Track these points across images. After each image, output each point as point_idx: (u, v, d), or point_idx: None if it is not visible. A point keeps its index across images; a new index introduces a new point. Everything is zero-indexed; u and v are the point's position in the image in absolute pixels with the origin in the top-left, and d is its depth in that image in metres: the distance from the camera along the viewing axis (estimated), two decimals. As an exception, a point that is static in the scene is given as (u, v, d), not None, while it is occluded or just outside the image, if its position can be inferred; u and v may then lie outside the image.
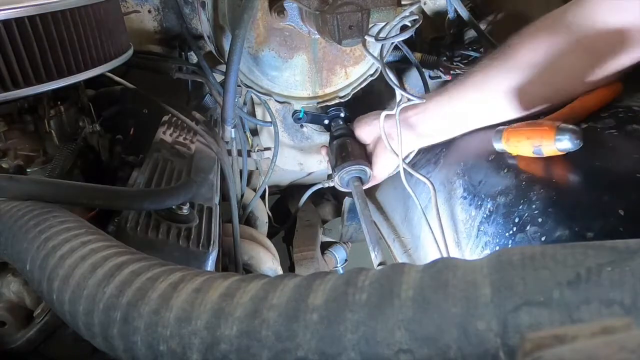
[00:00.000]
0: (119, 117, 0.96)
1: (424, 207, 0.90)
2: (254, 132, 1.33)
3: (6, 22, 0.59)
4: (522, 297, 0.31)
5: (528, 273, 0.32)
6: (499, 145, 0.77)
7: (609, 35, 0.69)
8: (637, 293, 0.30)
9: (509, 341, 0.31)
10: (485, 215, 0.75)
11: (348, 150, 1.01)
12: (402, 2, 0.89)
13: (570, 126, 0.68)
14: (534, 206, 0.68)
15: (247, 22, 0.84)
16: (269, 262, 1.11)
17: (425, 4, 1.22)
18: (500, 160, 0.79)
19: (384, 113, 0.92)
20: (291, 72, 1.04)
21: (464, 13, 1.10)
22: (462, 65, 1.16)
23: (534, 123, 0.74)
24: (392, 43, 1.03)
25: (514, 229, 0.69)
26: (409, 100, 0.88)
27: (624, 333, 0.21)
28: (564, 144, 0.68)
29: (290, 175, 1.47)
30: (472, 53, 1.16)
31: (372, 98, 1.25)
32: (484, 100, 0.83)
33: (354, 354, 0.34)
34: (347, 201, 1.39)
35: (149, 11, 1.16)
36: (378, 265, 0.85)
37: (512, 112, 0.81)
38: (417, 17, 0.88)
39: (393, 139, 0.91)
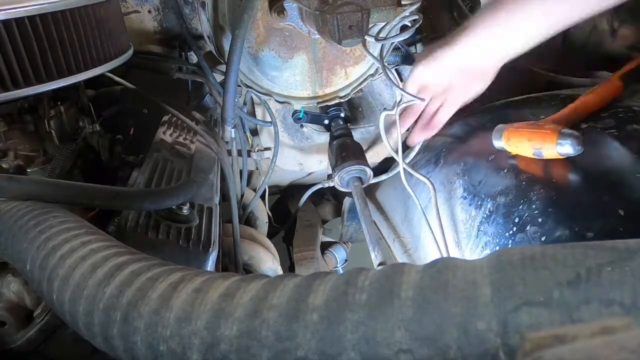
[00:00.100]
0: (119, 117, 0.96)
1: (424, 207, 0.90)
2: (254, 132, 1.33)
3: (6, 22, 0.59)
4: (522, 297, 0.31)
5: (528, 273, 0.32)
6: (498, 144, 0.77)
7: None
8: (637, 293, 0.30)
9: (509, 341, 0.31)
10: (485, 215, 0.75)
11: (348, 150, 1.01)
12: (402, 2, 0.89)
13: (573, 131, 0.68)
14: (534, 206, 0.68)
15: (247, 22, 0.84)
16: (269, 262, 1.11)
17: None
18: (500, 160, 0.79)
19: (384, 113, 0.92)
20: (291, 72, 1.04)
21: (464, 13, 1.10)
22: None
23: (536, 124, 0.74)
24: (392, 43, 1.03)
25: (514, 229, 0.69)
26: (409, 100, 0.88)
27: (624, 333, 0.21)
28: (566, 148, 0.68)
29: (290, 175, 1.47)
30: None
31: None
32: None
33: (354, 354, 0.34)
34: (347, 201, 1.39)
35: (149, 11, 1.16)
36: (378, 265, 0.85)
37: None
38: (417, 17, 0.88)
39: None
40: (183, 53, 1.18)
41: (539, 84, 1.24)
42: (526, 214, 0.68)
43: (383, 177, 1.11)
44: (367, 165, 0.99)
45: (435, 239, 0.84)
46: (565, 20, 0.75)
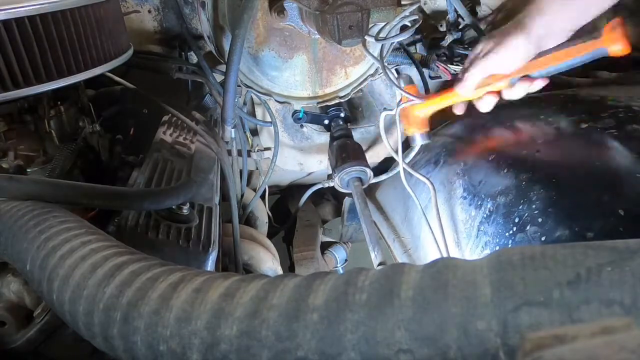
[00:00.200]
0: (119, 117, 0.96)
1: (424, 207, 0.90)
2: (254, 132, 1.33)
3: (6, 22, 0.59)
4: (522, 297, 0.31)
5: (528, 273, 0.32)
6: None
7: None
8: (637, 293, 0.30)
9: (509, 341, 0.31)
10: (485, 215, 0.75)
11: (348, 150, 1.01)
12: (402, 2, 0.89)
13: None
14: (534, 206, 0.68)
15: (247, 22, 0.84)
16: (269, 262, 1.11)
17: (425, 4, 1.22)
18: (500, 160, 0.79)
19: (384, 113, 0.92)
20: (291, 72, 1.04)
21: (464, 13, 1.10)
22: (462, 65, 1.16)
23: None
24: (392, 43, 1.03)
25: (514, 229, 0.69)
26: (408, 100, 0.88)
27: (624, 333, 0.21)
28: None
29: (290, 175, 1.47)
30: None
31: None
32: None
33: (354, 354, 0.34)
34: (347, 201, 1.39)
35: (149, 11, 1.16)
36: (378, 265, 0.85)
37: None
38: (417, 17, 0.88)
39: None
40: (183, 53, 1.18)
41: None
42: (526, 214, 0.68)
43: (383, 177, 1.11)
44: (367, 165, 0.99)
45: (435, 239, 0.84)
46: None
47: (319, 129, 1.28)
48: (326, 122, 1.17)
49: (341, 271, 1.44)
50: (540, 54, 0.78)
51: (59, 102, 0.78)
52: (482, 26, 1.17)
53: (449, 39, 1.18)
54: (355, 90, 1.10)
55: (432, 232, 0.85)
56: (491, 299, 0.32)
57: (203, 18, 1.00)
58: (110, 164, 0.86)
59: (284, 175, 1.44)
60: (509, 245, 0.69)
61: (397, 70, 1.25)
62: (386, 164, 1.30)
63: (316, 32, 0.90)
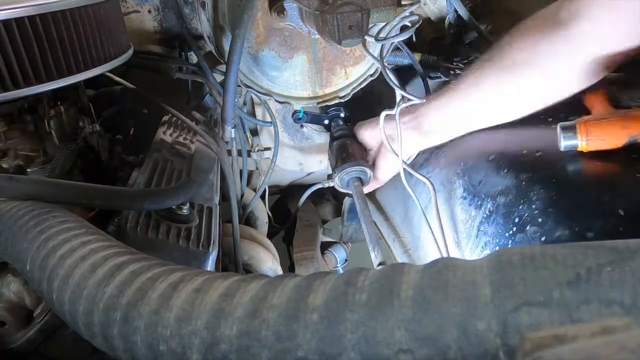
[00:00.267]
0: (119, 117, 0.96)
1: (424, 207, 0.90)
2: (254, 132, 1.33)
3: (6, 22, 0.59)
4: (522, 297, 0.31)
5: (528, 273, 0.32)
6: (570, 142, 0.71)
7: (603, 33, 0.69)
8: (637, 293, 0.30)
9: (509, 341, 0.31)
10: (485, 215, 0.75)
11: (348, 151, 1.01)
12: (402, 2, 0.89)
13: None
14: (534, 206, 0.68)
15: (247, 22, 0.84)
16: (269, 262, 1.11)
17: (425, 4, 1.22)
18: (500, 160, 0.79)
19: (384, 113, 0.92)
20: (291, 72, 1.04)
21: (464, 13, 1.10)
22: (462, 66, 1.16)
23: (623, 112, 0.71)
24: (392, 43, 1.03)
25: (514, 229, 0.69)
26: (408, 100, 0.88)
27: (624, 333, 0.21)
28: None
29: (290, 175, 1.47)
30: (472, 53, 1.16)
31: (372, 98, 1.25)
32: (483, 100, 0.82)
33: (354, 354, 0.34)
34: (347, 201, 1.39)
35: (149, 11, 1.16)
36: (378, 265, 0.85)
37: (514, 112, 0.81)
38: (417, 17, 0.88)
39: (394, 140, 0.91)
40: (183, 53, 1.18)
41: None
42: (526, 214, 0.68)
43: (383, 177, 1.11)
44: (367, 166, 0.99)
45: (435, 239, 0.84)
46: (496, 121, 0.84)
47: (319, 129, 1.28)
48: (326, 122, 1.17)
49: (341, 271, 1.44)
50: None
51: (59, 102, 0.78)
52: (482, 26, 1.17)
53: (448, 38, 1.18)
54: (355, 90, 1.10)
55: (432, 232, 0.85)
56: (491, 299, 0.32)
57: (203, 18, 1.00)
58: (110, 164, 0.86)
59: (284, 175, 1.44)
60: (509, 245, 0.69)
61: (397, 70, 1.25)
62: (386, 164, 1.30)
63: (316, 32, 0.90)
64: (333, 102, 1.11)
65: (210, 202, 0.77)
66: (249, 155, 1.29)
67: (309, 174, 1.45)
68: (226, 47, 0.97)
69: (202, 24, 1.03)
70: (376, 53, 0.93)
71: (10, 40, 0.60)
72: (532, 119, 0.81)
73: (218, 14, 0.95)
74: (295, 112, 1.15)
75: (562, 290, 0.31)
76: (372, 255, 0.87)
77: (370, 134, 1.01)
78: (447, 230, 0.83)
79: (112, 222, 0.70)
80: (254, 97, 1.23)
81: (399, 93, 0.90)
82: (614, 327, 0.21)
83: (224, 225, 0.96)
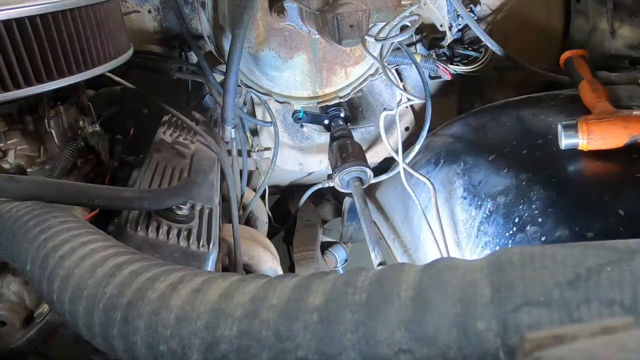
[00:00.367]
0: (119, 117, 0.96)
1: (424, 207, 0.90)
2: (254, 132, 1.33)
3: (6, 22, 0.59)
4: (522, 297, 0.31)
5: (528, 273, 0.32)
6: (571, 141, 0.71)
7: None
8: (637, 293, 0.30)
9: (509, 341, 0.31)
10: (485, 215, 0.75)
11: (348, 150, 1.01)
12: (402, 2, 0.89)
13: None
14: (534, 206, 0.68)
15: (247, 22, 0.84)
16: (269, 262, 1.11)
17: (425, 4, 1.22)
18: (500, 160, 0.79)
19: (384, 113, 0.92)
20: (291, 72, 1.04)
21: (464, 13, 1.10)
22: (462, 66, 1.16)
23: (624, 112, 0.71)
24: (392, 43, 1.03)
25: (514, 229, 0.69)
26: (408, 100, 0.88)
27: (624, 333, 0.21)
28: None
29: (290, 175, 1.47)
30: (471, 53, 1.16)
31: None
32: None
33: (354, 354, 0.34)
34: (347, 201, 1.39)
35: (149, 11, 1.16)
36: (378, 265, 0.85)
37: None
38: (417, 17, 0.89)
39: None
40: (183, 53, 1.18)
41: (539, 84, 1.24)
42: (526, 214, 0.68)
43: (383, 177, 1.11)
44: (367, 165, 0.99)
45: (435, 239, 0.84)
46: None
47: (319, 129, 1.28)
48: (326, 122, 1.17)
49: (341, 271, 1.43)
50: None
51: (59, 102, 0.78)
52: (482, 26, 1.17)
53: (449, 38, 1.18)
54: (355, 90, 1.10)
55: (432, 232, 0.86)
56: (491, 299, 0.32)
57: (203, 18, 1.00)
58: (110, 164, 0.86)
59: (284, 175, 1.44)
60: (509, 245, 0.69)
61: (397, 70, 1.25)
62: (386, 164, 1.30)
63: (316, 32, 0.90)
64: (333, 102, 1.11)
65: (210, 202, 0.77)
66: (249, 155, 1.29)
67: (309, 174, 1.45)
68: (226, 47, 0.97)
69: (202, 24, 1.03)
70: (376, 53, 0.93)
71: (10, 40, 0.60)
72: (532, 119, 0.81)
73: (218, 14, 0.96)
74: (295, 112, 1.15)
75: (562, 290, 0.31)
76: (372, 255, 0.87)
77: None
78: (447, 230, 0.83)
79: (112, 222, 0.70)
80: (254, 97, 1.23)
81: (399, 93, 0.90)
82: (614, 327, 0.21)
83: (224, 225, 0.96)
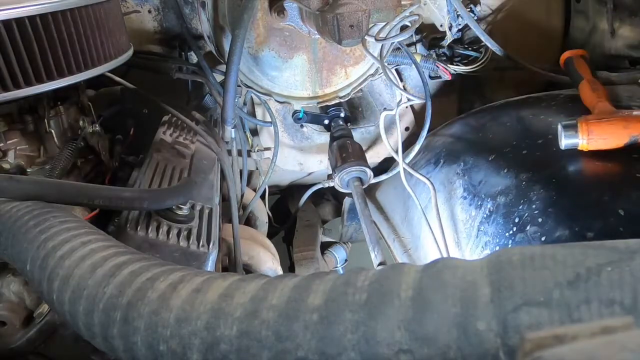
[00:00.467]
0: (119, 117, 0.96)
1: (424, 207, 0.90)
2: (254, 132, 1.33)
3: (6, 22, 0.59)
4: (522, 297, 0.31)
5: (528, 273, 0.32)
6: (571, 141, 0.71)
7: None
8: (637, 293, 0.30)
9: (509, 341, 0.31)
10: (485, 215, 0.75)
11: (348, 150, 1.01)
12: (402, 2, 0.89)
13: None
14: (534, 206, 0.68)
15: (247, 22, 0.84)
16: (269, 262, 1.11)
17: (425, 4, 1.22)
18: (500, 160, 0.79)
19: (384, 113, 0.92)
20: (291, 72, 1.04)
21: (464, 13, 1.10)
22: (462, 66, 1.16)
23: (624, 112, 0.71)
24: (392, 43, 1.03)
25: (514, 229, 0.69)
26: (408, 100, 0.88)
27: (624, 333, 0.21)
28: None
29: (290, 175, 1.47)
30: (471, 53, 1.16)
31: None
32: None
33: (354, 354, 0.34)
34: (347, 201, 1.39)
35: (149, 11, 1.16)
36: (378, 265, 0.85)
37: None
38: (417, 17, 0.89)
39: None
40: (183, 53, 1.18)
41: (539, 84, 1.24)
42: (526, 214, 0.68)
43: (383, 177, 1.11)
44: (367, 165, 0.99)
45: (435, 239, 0.84)
46: None
47: (319, 129, 1.28)
48: (326, 122, 1.17)
49: (341, 271, 1.43)
50: None
51: (59, 102, 0.78)
52: (482, 26, 1.17)
53: (449, 38, 1.18)
54: (355, 90, 1.10)
55: (432, 232, 0.86)
56: (491, 299, 0.32)
57: (203, 18, 1.00)
58: (110, 164, 0.86)
59: (284, 175, 1.44)
60: (509, 245, 0.69)
61: (397, 70, 1.25)
62: (386, 164, 1.30)
63: (316, 32, 0.90)
64: (333, 102, 1.11)
65: (210, 202, 0.77)
66: (249, 155, 1.29)
67: (309, 174, 1.45)
68: (226, 47, 0.97)
69: (202, 24, 1.03)
70: (376, 53, 0.93)
71: (10, 40, 0.60)
72: (532, 119, 0.81)
73: (218, 14, 0.96)
74: (295, 112, 1.15)
75: (562, 290, 0.31)
76: (372, 255, 0.87)
77: None
78: (447, 230, 0.83)
79: (112, 222, 0.70)
80: (254, 97, 1.23)
81: (399, 93, 0.90)
82: (614, 327, 0.21)
83: (224, 225, 0.96)
